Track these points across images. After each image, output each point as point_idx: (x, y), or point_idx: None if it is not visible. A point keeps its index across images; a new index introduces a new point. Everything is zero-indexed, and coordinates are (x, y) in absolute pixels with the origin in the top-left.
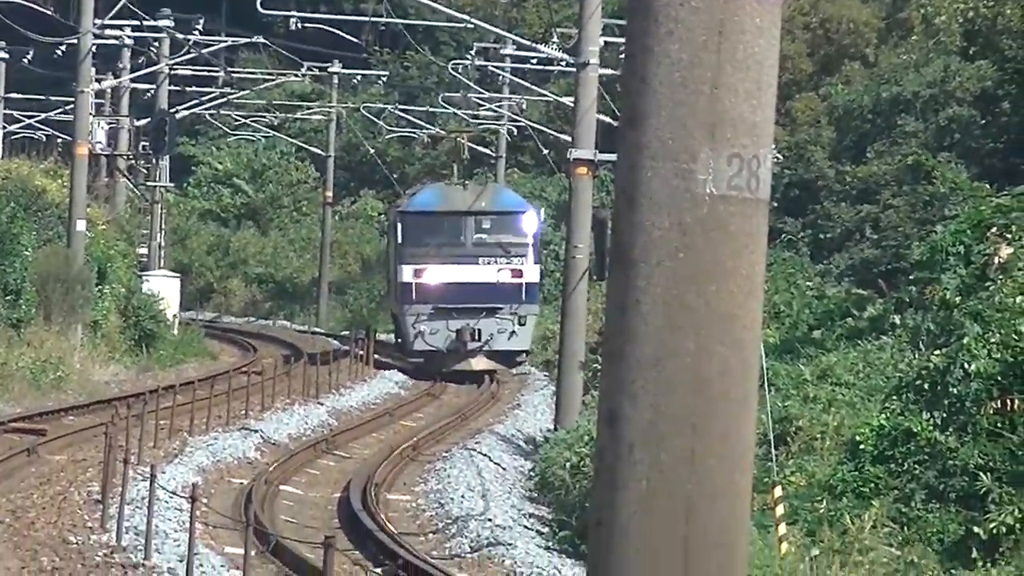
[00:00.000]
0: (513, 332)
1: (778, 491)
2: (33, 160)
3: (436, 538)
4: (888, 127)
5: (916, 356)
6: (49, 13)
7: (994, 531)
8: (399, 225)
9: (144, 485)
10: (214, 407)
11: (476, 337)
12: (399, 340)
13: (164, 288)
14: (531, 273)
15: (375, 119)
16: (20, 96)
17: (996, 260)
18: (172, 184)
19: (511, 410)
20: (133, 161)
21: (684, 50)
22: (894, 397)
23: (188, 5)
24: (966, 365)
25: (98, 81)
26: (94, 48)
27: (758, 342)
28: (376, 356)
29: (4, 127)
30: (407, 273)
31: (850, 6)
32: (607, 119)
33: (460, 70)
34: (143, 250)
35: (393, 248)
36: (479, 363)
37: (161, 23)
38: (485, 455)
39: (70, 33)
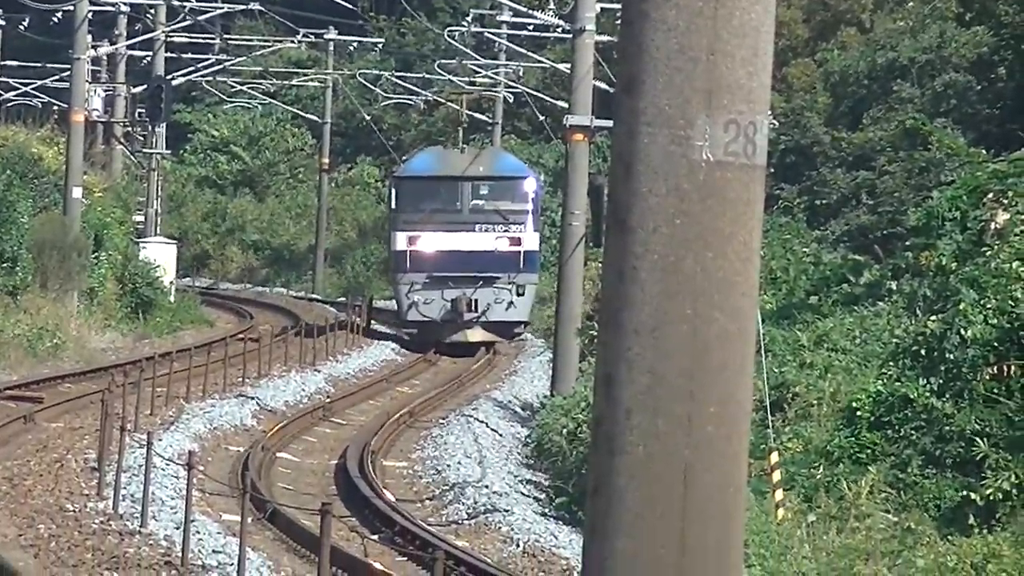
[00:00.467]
0: (511, 303)
1: (775, 457)
2: (29, 127)
3: (433, 505)
4: (884, 93)
5: (912, 322)
6: None
7: (991, 497)
8: (393, 191)
9: (141, 452)
10: (211, 374)
11: (472, 307)
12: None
13: (160, 255)
14: (530, 241)
15: (371, 86)
16: (16, 63)
17: (992, 226)
18: (168, 151)
19: (508, 376)
20: (129, 128)
21: (681, 16)
22: (890, 363)
23: None
24: (962, 331)
25: (94, 48)
26: (90, 15)
27: (755, 308)
28: (374, 324)
29: (0, 94)
30: (401, 240)
31: None
32: (604, 86)
33: (456, 37)
34: (139, 217)
35: (388, 214)
36: (475, 335)
37: None
38: (482, 422)
39: (66, 0)
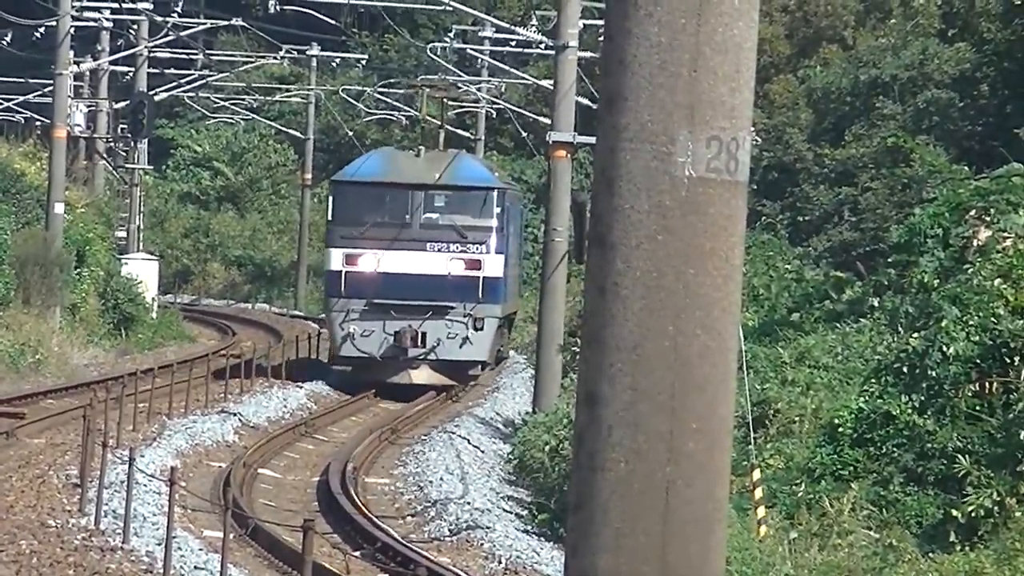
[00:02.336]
0: (466, 339)
1: (756, 474)
2: (12, 143)
3: (415, 521)
4: (866, 110)
5: (895, 339)
6: None
7: (972, 514)
8: (331, 198)
9: (123, 468)
10: (193, 390)
11: (419, 342)
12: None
13: (143, 271)
14: (492, 265)
15: (354, 102)
16: None
17: (974, 243)
18: (151, 167)
19: (490, 393)
20: (112, 144)
21: (663, 32)
22: (872, 380)
23: None
24: (944, 348)
25: (77, 64)
26: (73, 30)
27: (737, 325)
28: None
29: None
30: (336, 259)
31: None
32: (586, 102)
33: (439, 52)
34: (122, 233)
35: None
36: (421, 375)
37: (140, 5)
38: (464, 438)
39: (49, 15)
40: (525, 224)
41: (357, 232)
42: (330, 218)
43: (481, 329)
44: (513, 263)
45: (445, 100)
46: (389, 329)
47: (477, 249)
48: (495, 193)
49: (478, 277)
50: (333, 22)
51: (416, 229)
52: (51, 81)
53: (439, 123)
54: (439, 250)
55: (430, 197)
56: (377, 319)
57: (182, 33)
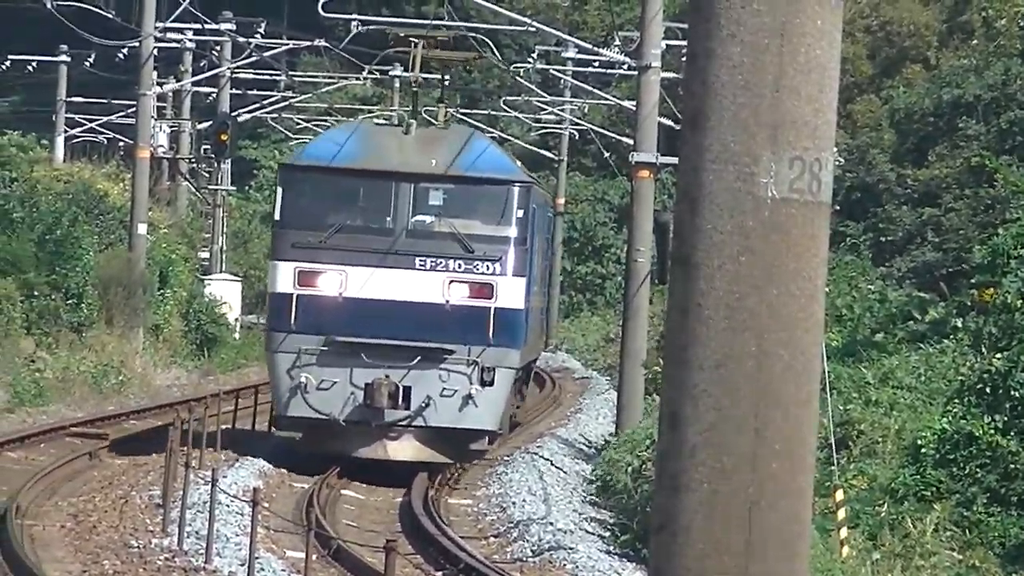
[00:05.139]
0: (468, 397)
1: (839, 494)
2: (95, 163)
3: (498, 542)
4: (949, 130)
5: (978, 360)
6: (111, 16)
7: None
8: (279, 190)
9: (205, 489)
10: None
11: (401, 401)
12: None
13: (226, 292)
14: (510, 292)
15: (435, 122)
16: (82, 100)
17: None
18: (234, 187)
19: (573, 414)
20: (195, 164)
21: (746, 53)
22: (955, 400)
23: (250, 8)
24: None
25: (160, 84)
26: (156, 51)
27: (820, 345)
28: None
29: (66, 131)
30: (284, 277)
31: (911, 9)
32: (669, 122)
33: (522, 73)
34: (204, 254)
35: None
36: (402, 449)
37: (223, 26)
38: (547, 459)
39: (132, 36)
40: (607, 244)
41: (316, 239)
42: (277, 218)
43: (491, 384)
44: (537, 290)
45: (446, 61)
46: (358, 380)
47: (489, 268)
48: (516, 189)
49: (489, 309)
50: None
51: (402, 238)
52: (134, 102)
53: (441, 85)
54: (434, 268)
55: (423, 192)
56: (341, 365)
57: (265, 54)
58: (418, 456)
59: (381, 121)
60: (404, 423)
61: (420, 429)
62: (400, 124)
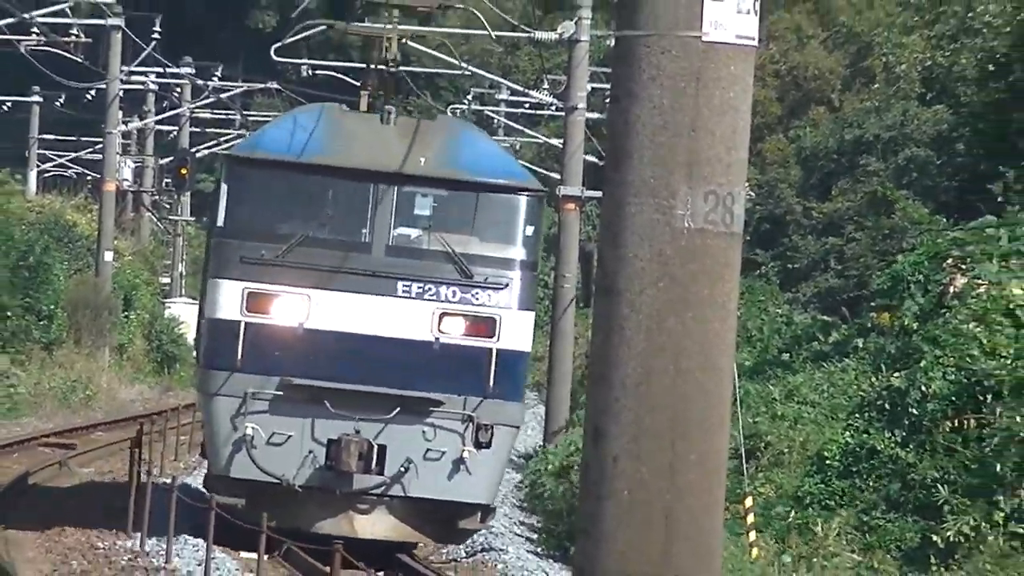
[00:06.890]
0: (460, 460)
1: (749, 501)
2: (65, 196)
3: (433, 544)
4: (851, 166)
5: (877, 378)
6: (80, 60)
7: (950, 539)
8: (223, 187)
9: (165, 494)
10: None
11: (373, 463)
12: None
13: (185, 314)
14: (516, 330)
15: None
16: (53, 137)
17: (951, 289)
18: (193, 218)
19: None
20: (157, 197)
21: (665, 95)
22: (857, 415)
23: (208, 53)
24: (924, 386)
25: (125, 123)
26: (121, 93)
27: (732, 364)
28: None
29: (38, 166)
30: (228, 299)
31: (817, 55)
32: (593, 159)
33: (458, 114)
34: (166, 279)
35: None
36: (373, 526)
37: (183, 70)
38: None
39: (99, 79)
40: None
41: (271, 254)
42: (220, 224)
43: (487, 445)
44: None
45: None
46: (320, 435)
47: (491, 299)
48: (527, 200)
49: (489, 350)
50: (359, 85)
51: (379, 255)
52: (101, 139)
53: (393, 63)
54: (421, 296)
55: (408, 198)
56: (299, 415)
57: (222, 95)
58: (393, 535)
59: (349, 110)
60: (377, 492)
61: (397, 500)
62: (377, 112)
